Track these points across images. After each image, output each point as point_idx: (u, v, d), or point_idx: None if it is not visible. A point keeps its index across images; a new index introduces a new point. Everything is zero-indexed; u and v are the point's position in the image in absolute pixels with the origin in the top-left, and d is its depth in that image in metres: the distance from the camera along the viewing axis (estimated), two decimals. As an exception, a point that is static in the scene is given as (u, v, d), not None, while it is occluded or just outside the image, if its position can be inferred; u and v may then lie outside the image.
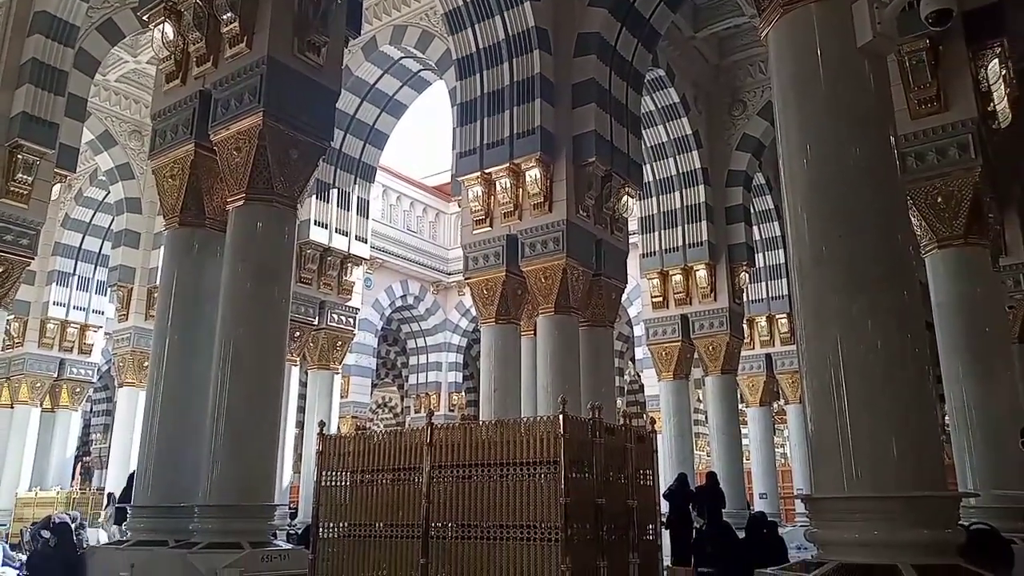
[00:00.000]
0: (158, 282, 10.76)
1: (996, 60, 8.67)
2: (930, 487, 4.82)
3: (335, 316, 15.62)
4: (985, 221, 8.72)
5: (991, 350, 8.32)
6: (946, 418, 8.77)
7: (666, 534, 10.16)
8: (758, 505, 16.56)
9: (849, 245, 5.22)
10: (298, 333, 14.40)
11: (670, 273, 15.84)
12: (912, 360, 5.02)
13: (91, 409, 32.18)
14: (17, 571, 10.48)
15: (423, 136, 42.48)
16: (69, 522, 9.35)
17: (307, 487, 14.84)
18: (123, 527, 8.37)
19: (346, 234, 15.59)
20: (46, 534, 9.04)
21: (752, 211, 17.30)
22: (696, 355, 15.83)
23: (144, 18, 8.50)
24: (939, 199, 8.57)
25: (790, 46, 5.89)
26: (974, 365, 8.22)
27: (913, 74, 8.58)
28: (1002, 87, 8.77)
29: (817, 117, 5.61)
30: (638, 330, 21.52)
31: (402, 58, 15.16)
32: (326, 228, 15.19)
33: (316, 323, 15.24)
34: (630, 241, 12.58)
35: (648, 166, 15.66)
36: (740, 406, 17.59)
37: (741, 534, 10.28)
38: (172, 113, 8.25)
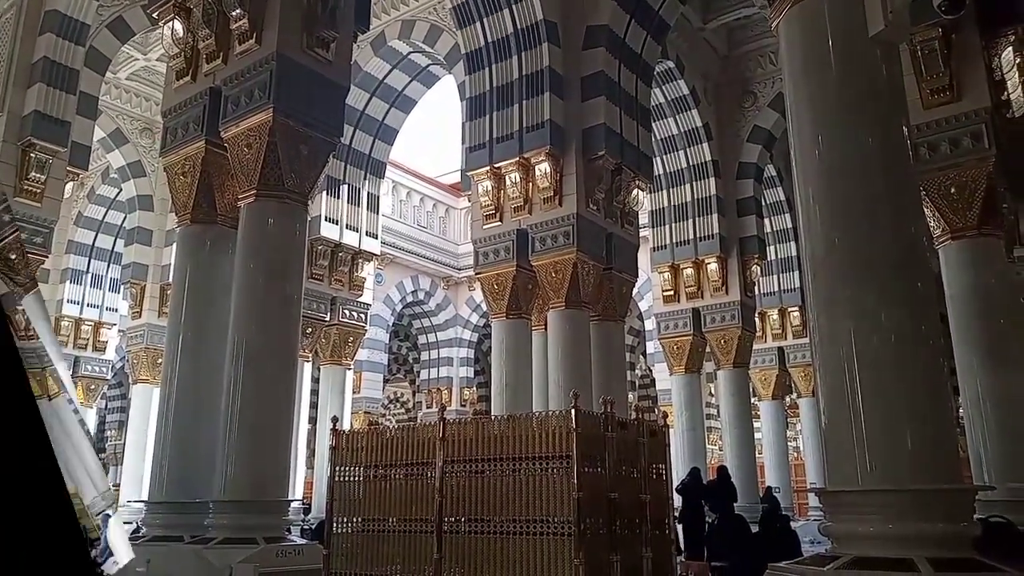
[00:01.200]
0: (171, 279, 10.81)
1: (1010, 48, 8.57)
2: (945, 480, 4.79)
3: (346, 312, 15.68)
4: (999, 211, 8.64)
5: (1006, 341, 8.24)
6: (960, 410, 8.71)
7: (679, 528, 10.14)
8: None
9: (862, 236, 5.19)
10: (310, 329, 14.46)
11: (681, 267, 15.81)
12: (926, 351, 4.99)
13: (106, 406, 32.41)
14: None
15: (433, 131, 42.47)
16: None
17: (320, 482, 14.91)
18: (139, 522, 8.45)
19: (357, 230, 15.64)
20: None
21: (763, 203, 17.21)
22: (708, 349, 15.79)
23: (154, 15, 8.56)
24: (952, 189, 8.50)
25: (801, 36, 5.85)
26: (988, 357, 8.15)
27: (925, 63, 8.50)
28: (1016, 75, 8.66)
29: (829, 107, 5.57)
30: (649, 324, 21.45)
31: (411, 53, 15.16)
32: (337, 224, 15.24)
33: (328, 319, 15.31)
34: (641, 234, 12.55)
35: (658, 159, 15.60)
36: (752, 400, 17.53)
37: (755, 528, 10.26)
38: (183, 110, 8.28)
